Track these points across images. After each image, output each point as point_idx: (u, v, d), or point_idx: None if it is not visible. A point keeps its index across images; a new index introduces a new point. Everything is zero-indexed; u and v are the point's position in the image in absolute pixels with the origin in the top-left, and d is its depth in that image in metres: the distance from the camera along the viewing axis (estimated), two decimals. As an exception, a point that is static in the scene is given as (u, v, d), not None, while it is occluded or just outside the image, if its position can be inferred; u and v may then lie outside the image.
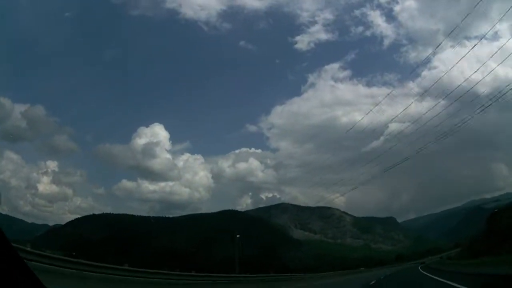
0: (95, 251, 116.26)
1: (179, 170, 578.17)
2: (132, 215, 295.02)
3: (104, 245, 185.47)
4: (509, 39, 65.14)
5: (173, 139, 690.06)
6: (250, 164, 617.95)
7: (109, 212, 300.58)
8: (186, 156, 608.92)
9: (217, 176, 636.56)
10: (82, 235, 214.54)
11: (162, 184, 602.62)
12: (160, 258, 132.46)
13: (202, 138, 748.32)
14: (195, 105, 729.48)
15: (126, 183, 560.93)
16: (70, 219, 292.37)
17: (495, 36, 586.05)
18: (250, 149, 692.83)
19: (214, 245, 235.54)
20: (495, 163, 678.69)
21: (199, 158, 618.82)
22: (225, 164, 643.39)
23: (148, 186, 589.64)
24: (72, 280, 18.28)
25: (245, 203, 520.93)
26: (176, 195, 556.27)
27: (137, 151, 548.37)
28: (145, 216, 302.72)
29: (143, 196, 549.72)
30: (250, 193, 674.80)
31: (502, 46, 61.52)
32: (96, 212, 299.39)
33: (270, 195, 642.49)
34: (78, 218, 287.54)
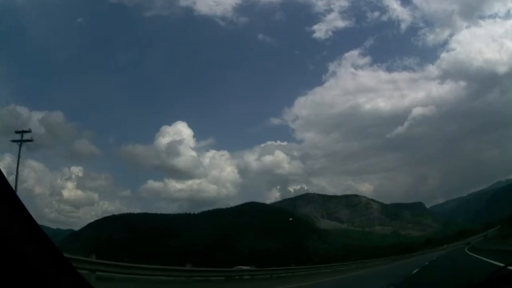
0: (113, 251, 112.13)
1: (205, 167, 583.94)
2: (154, 214, 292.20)
3: (123, 245, 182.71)
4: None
5: (197, 136, 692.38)
6: (276, 157, 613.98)
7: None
8: (212, 152, 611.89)
9: (243, 170, 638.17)
10: (100, 237, 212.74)
11: (189, 182, 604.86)
12: (179, 255, 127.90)
13: (226, 134, 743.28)
14: (217, 101, 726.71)
15: (153, 184, 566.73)
16: (90, 222, 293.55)
17: (508, 14, 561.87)
18: (276, 141, 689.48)
19: (237, 239, 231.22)
20: None
21: (224, 153, 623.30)
22: (251, 158, 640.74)
23: (175, 185, 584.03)
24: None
25: (273, 197, 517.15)
26: (204, 192, 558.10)
27: (161, 150, 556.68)
28: (166, 214, 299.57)
29: (170, 195, 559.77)
30: (278, 186, 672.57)
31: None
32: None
33: (298, 187, 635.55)
34: (98, 220, 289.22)
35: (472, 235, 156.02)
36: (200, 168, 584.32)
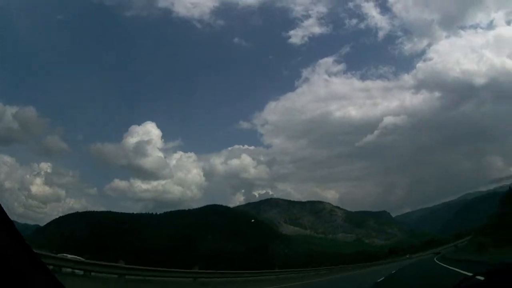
0: (75, 248, 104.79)
1: (171, 169, 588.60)
2: (118, 212, 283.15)
3: (85, 242, 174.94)
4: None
5: (166, 137, 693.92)
6: (243, 161, 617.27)
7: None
8: (179, 154, 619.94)
9: (209, 173, 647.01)
10: (63, 233, 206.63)
11: (155, 183, 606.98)
12: (140, 254, 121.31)
13: (195, 136, 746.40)
14: (188, 103, 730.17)
15: (119, 183, 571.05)
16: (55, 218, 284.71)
17: (490, 25, 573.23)
18: (243, 146, 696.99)
19: (199, 240, 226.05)
20: (491, 155, 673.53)
21: (191, 156, 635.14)
22: (218, 161, 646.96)
23: (141, 185, 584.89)
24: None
25: (238, 200, 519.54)
26: (169, 193, 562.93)
27: (129, 150, 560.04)
28: (129, 213, 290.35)
29: (136, 195, 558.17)
30: (243, 190, 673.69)
31: None
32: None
33: (263, 191, 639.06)
34: (62, 216, 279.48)
35: (441, 245, 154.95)
36: (166, 169, 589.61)
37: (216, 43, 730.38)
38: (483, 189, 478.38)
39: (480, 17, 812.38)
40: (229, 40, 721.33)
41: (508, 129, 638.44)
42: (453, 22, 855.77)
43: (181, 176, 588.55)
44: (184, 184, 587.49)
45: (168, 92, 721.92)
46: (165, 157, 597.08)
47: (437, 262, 44.21)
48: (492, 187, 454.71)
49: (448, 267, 29.40)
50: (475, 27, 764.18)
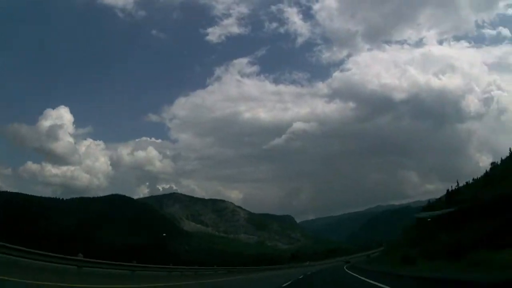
0: None
1: (80, 155, 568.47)
2: (27, 195, 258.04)
3: None
4: None
5: (77, 123, 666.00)
6: (149, 154, 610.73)
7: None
8: (88, 141, 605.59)
9: (116, 163, 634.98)
10: None
11: (64, 168, 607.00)
12: (41, 240, 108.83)
13: (105, 124, 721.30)
14: (101, 90, 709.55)
15: (32, 165, 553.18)
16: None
17: (419, 43, 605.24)
18: (150, 138, 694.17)
19: (100, 229, 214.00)
20: (406, 170, 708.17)
21: (100, 144, 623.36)
22: (125, 152, 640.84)
23: (51, 170, 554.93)
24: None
25: (142, 193, 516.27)
26: (77, 180, 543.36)
27: (42, 133, 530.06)
28: (38, 197, 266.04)
29: (46, 179, 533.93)
30: (148, 183, 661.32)
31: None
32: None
33: (167, 186, 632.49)
34: None
35: (347, 254, 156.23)
36: (76, 155, 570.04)
37: (134, 33, 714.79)
38: (396, 203, 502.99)
39: (409, 34, 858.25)
40: (147, 31, 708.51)
41: (426, 146, 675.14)
42: (378, 36, 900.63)
43: (89, 163, 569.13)
44: (92, 172, 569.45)
45: (83, 78, 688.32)
46: (75, 143, 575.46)
47: (357, 276, 31.33)
48: (405, 201, 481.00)
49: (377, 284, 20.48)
50: (402, 42, 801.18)
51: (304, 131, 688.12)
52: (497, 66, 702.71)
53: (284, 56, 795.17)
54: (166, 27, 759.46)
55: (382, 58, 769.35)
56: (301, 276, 32.15)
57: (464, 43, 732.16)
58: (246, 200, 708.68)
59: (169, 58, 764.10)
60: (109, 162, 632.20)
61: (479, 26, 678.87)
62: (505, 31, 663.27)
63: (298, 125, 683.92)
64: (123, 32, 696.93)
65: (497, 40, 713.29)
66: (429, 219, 64.06)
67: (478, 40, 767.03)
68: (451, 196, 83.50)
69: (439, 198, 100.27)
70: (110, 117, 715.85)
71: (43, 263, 21.09)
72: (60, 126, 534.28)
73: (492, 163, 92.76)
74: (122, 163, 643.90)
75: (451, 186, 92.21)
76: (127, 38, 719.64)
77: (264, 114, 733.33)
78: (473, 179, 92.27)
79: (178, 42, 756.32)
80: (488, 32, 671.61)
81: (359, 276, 29.63)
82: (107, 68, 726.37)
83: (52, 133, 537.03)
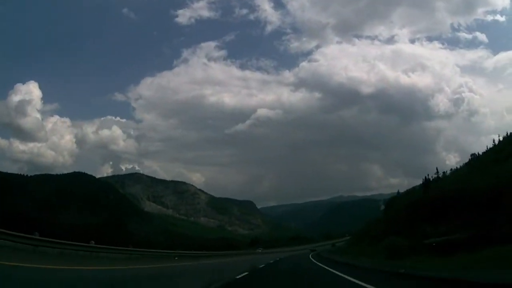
0: None
1: (47, 132, 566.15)
2: None
3: None
4: None
5: (45, 99, 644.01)
6: (113, 133, 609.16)
7: None
8: (55, 118, 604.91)
9: (81, 141, 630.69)
10: None
11: (31, 144, 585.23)
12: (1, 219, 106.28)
13: (72, 101, 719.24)
14: (70, 67, 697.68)
15: (0, 141, 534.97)
16: None
17: (391, 40, 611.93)
18: (116, 117, 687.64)
19: (61, 208, 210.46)
20: (370, 163, 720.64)
21: (66, 121, 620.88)
22: (90, 130, 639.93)
23: (19, 146, 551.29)
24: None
25: (105, 172, 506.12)
26: (43, 157, 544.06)
27: (11, 108, 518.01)
28: (4, 172, 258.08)
29: (13, 155, 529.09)
30: (111, 162, 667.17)
31: None
32: None
33: (130, 166, 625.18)
34: None
35: (308, 243, 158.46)
36: (42, 132, 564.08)
37: (105, 11, 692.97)
38: (359, 194, 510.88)
39: (381, 30, 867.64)
40: (119, 10, 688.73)
41: (392, 141, 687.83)
42: (349, 30, 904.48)
43: (55, 140, 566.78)
44: (57, 149, 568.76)
45: (53, 54, 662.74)
46: (42, 120, 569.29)
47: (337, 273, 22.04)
48: (369, 193, 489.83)
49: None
50: (372, 38, 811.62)
51: (268, 118, 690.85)
52: (471, 69, 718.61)
53: (252, 43, 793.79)
54: (137, 7, 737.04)
55: (351, 52, 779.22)
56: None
57: (437, 44, 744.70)
58: (208, 184, 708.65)
59: (138, 37, 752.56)
60: (74, 140, 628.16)
61: (454, 29, 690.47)
62: (481, 37, 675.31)
63: (262, 112, 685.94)
64: (95, 9, 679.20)
65: (473, 44, 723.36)
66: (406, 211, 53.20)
67: (452, 43, 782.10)
68: (428, 185, 75.66)
69: (414, 188, 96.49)
70: (77, 94, 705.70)
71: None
72: (29, 102, 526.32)
73: (472, 155, 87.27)
74: (87, 141, 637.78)
75: (428, 175, 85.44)
76: (98, 16, 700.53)
77: (229, 99, 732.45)
78: (452, 170, 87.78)
79: (148, 22, 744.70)
80: (464, 35, 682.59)
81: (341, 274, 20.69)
82: (77, 45, 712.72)
83: (21, 108, 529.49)
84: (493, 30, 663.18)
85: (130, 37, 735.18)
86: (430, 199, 44.86)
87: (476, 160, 79.22)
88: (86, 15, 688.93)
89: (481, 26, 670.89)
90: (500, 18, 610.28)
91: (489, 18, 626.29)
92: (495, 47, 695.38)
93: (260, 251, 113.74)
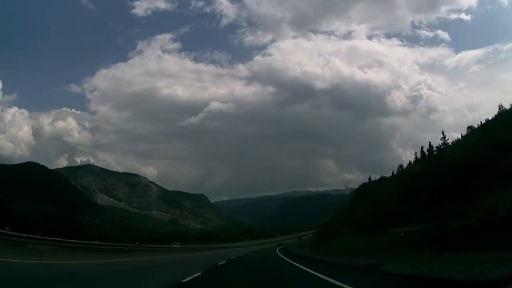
0: None
1: (6, 123, 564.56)
2: None
3: None
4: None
5: (5, 89, 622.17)
6: (68, 124, 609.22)
7: None
8: (14, 109, 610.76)
9: (37, 133, 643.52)
10: None
11: None
12: None
13: (30, 93, 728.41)
14: (29, 57, 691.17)
15: None
16: None
17: (348, 36, 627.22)
18: (71, 109, 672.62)
19: (13, 199, 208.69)
20: (324, 158, 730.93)
21: (24, 112, 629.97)
22: (46, 122, 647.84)
23: None
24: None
25: (61, 164, 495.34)
26: (1, 149, 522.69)
27: None
28: None
29: None
30: (66, 154, 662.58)
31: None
32: None
33: (85, 158, 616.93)
34: None
35: (262, 238, 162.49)
36: (1, 123, 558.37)
37: (64, 1, 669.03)
38: (312, 189, 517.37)
39: (338, 26, 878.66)
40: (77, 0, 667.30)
41: (346, 136, 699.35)
42: (305, 24, 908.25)
43: (13, 132, 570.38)
44: (15, 141, 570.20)
45: (12, 44, 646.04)
46: (1, 111, 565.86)
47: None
48: (322, 189, 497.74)
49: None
50: (329, 33, 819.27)
51: (221, 112, 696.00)
52: (430, 67, 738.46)
53: (207, 36, 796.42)
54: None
55: (306, 47, 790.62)
56: None
57: (396, 41, 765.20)
58: (160, 177, 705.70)
59: (95, 28, 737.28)
60: (31, 132, 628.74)
61: (415, 27, 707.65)
62: (443, 35, 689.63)
63: (215, 105, 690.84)
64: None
65: (434, 42, 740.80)
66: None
67: (412, 40, 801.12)
68: (401, 172, 69.96)
69: (392, 174, 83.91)
70: (34, 86, 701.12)
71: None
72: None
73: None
74: (43, 133, 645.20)
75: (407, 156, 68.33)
76: (56, 6, 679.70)
77: (182, 91, 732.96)
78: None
79: (105, 12, 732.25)
80: (424, 33, 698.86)
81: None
82: (35, 35, 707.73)
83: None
84: (456, 28, 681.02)
85: (87, 28, 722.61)
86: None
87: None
88: (44, 5, 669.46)
89: (444, 24, 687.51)
90: (465, 17, 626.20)
91: (453, 16, 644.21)
92: (457, 45, 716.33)
93: (176, 246, 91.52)
